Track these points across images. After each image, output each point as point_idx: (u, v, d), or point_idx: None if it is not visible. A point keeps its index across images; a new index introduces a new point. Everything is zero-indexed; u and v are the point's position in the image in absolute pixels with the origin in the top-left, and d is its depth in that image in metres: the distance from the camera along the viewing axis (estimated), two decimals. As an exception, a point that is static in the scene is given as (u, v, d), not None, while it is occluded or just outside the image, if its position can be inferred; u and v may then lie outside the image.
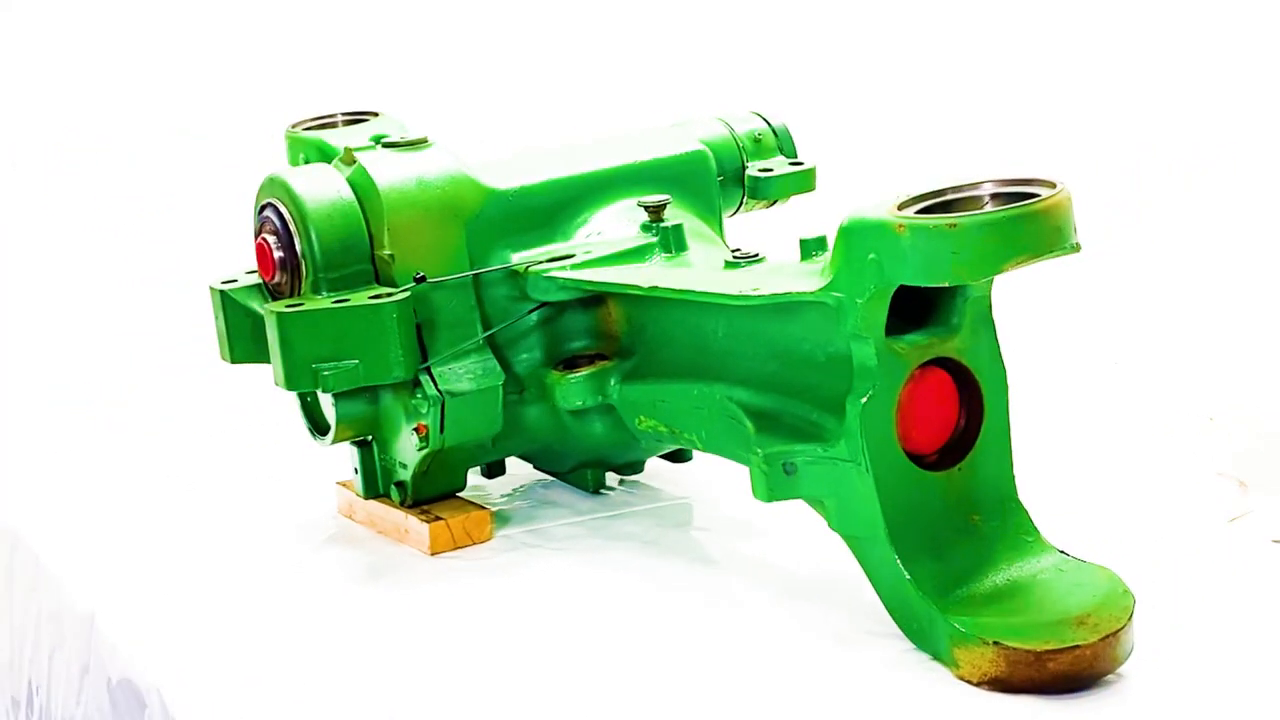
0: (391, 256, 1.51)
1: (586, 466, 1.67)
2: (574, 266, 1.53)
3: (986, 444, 1.31)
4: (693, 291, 1.43)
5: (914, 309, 1.29)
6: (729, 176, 1.71)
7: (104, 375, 2.23)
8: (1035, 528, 1.31)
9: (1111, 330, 2.31)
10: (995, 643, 1.20)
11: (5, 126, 2.73)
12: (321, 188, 1.53)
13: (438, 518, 1.56)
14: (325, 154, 1.65)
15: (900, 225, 1.18)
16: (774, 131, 1.76)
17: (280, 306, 1.48)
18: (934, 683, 1.23)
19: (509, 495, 1.70)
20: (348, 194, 1.53)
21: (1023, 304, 2.58)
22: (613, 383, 1.54)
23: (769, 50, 3.00)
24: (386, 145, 1.58)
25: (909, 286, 1.22)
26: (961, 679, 1.22)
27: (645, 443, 1.59)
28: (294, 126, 1.73)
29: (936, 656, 1.25)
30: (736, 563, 1.49)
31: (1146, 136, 2.82)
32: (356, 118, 1.74)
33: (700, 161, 1.67)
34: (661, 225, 1.55)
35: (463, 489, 1.62)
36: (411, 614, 1.43)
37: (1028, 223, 1.16)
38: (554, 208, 1.59)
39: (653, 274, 1.50)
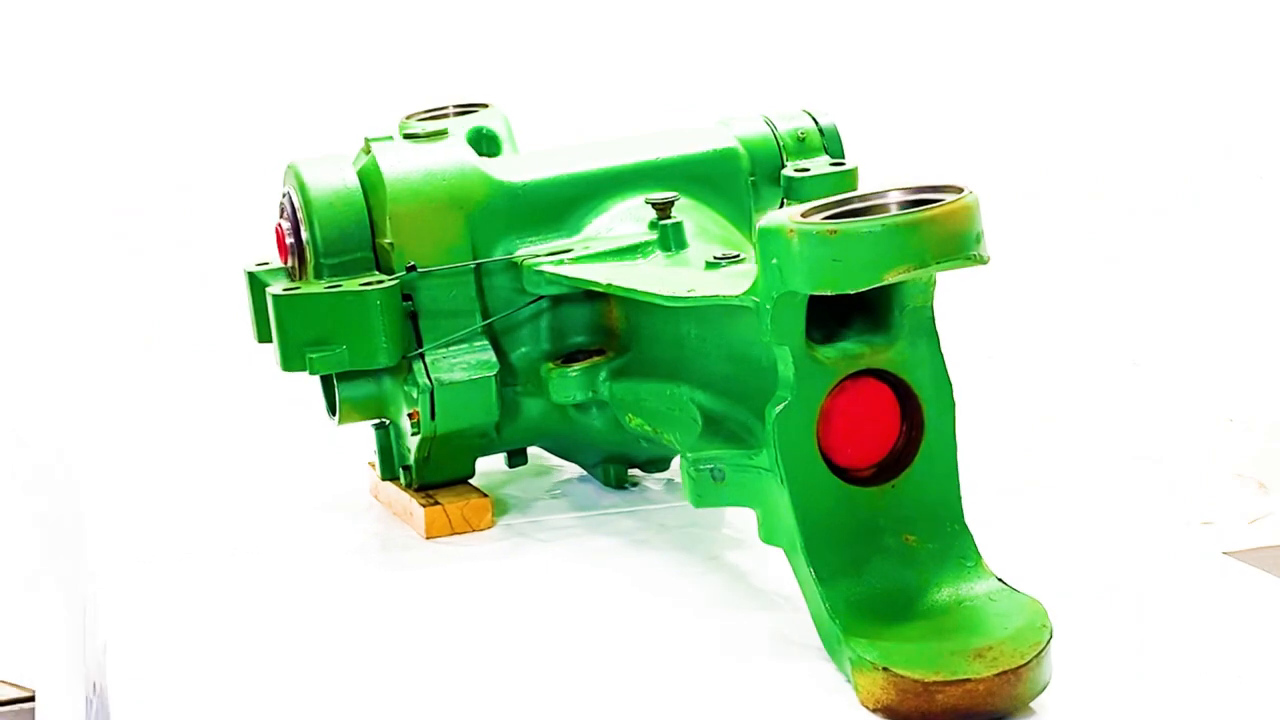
0: (391, 245, 1.55)
1: (610, 462, 1.67)
2: (565, 261, 1.54)
3: (926, 462, 1.25)
4: (636, 290, 1.43)
5: (855, 317, 1.25)
6: (764, 176, 1.67)
7: (108, 377, 2.29)
8: (977, 553, 1.25)
9: (1131, 331, 2.32)
10: (885, 668, 1.15)
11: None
12: (328, 176, 1.57)
13: (437, 503, 1.60)
14: None
15: (791, 230, 1.15)
16: (820, 131, 1.70)
17: (278, 289, 1.54)
18: (835, 706, 1.19)
19: (537, 486, 1.71)
20: (353, 183, 1.57)
21: (1042, 304, 2.61)
22: (602, 378, 1.55)
23: (852, 51, 2.99)
24: (407, 136, 1.61)
25: (849, 293, 1.18)
26: (863, 704, 1.18)
27: (644, 441, 1.58)
28: (408, 117, 1.78)
29: (847, 678, 1.21)
30: (714, 567, 1.48)
31: (1157, 141, 2.82)
32: (467, 109, 1.77)
33: (729, 160, 1.64)
34: (662, 223, 1.54)
35: (471, 476, 1.64)
36: (369, 597, 1.47)
37: (909, 231, 1.12)
38: (566, 203, 1.60)
39: (616, 271, 1.49)
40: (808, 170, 1.64)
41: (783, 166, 1.66)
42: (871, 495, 1.24)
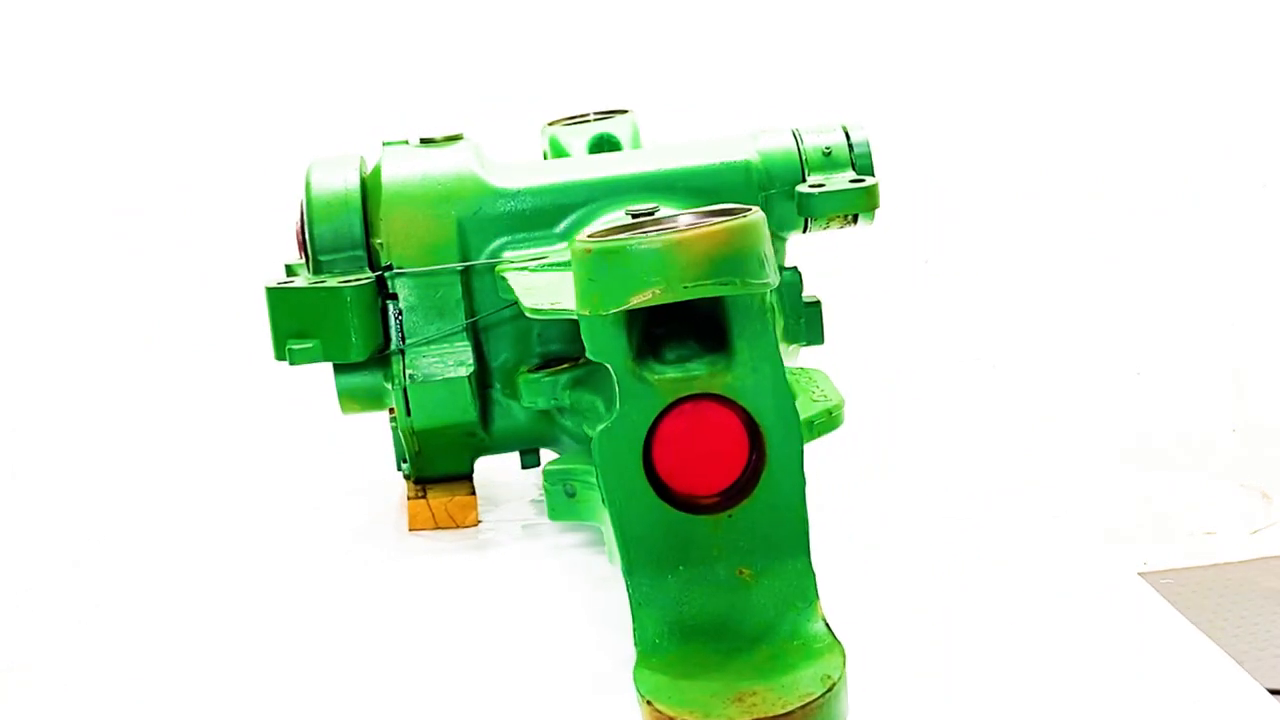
0: (381, 245, 1.58)
1: None
2: (534, 269, 1.54)
3: (768, 493, 1.18)
4: (519, 301, 1.42)
5: (703, 339, 1.21)
6: (784, 190, 1.62)
7: (108, 377, 2.30)
8: (814, 594, 1.18)
9: (1133, 337, 2.32)
10: (649, 702, 1.09)
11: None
12: (331, 177, 1.61)
13: (424, 496, 1.62)
14: (556, 148, 1.76)
15: (570, 247, 1.13)
16: (850, 146, 1.65)
17: (272, 282, 1.57)
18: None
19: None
20: (353, 184, 1.60)
21: (1042, 307, 2.61)
22: (562, 386, 1.55)
23: (847, 52, 2.99)
24: (424, 141, 1.65)
25: (702, 312, 1.16)
26: None
27: None
28: (550, 124, 1.81)
29: None
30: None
31: (1157, 141, 2.82)
32: (606, 115, 1.80)
33: (735, 173, 1.62)
34: None
35: (467, 473, 1.66)
36: (319, 584, 1.50)
37: (653, 254, 1.08)
38: (559, 210, 1.61)
39: (548, 281, 1.48)
40: (823, 185, 1.61)
41: (803, 181, 1.63)
42: (706, 523, 1.18)
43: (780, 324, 1.62)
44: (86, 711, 1.28)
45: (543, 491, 1.32)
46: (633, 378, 1.18)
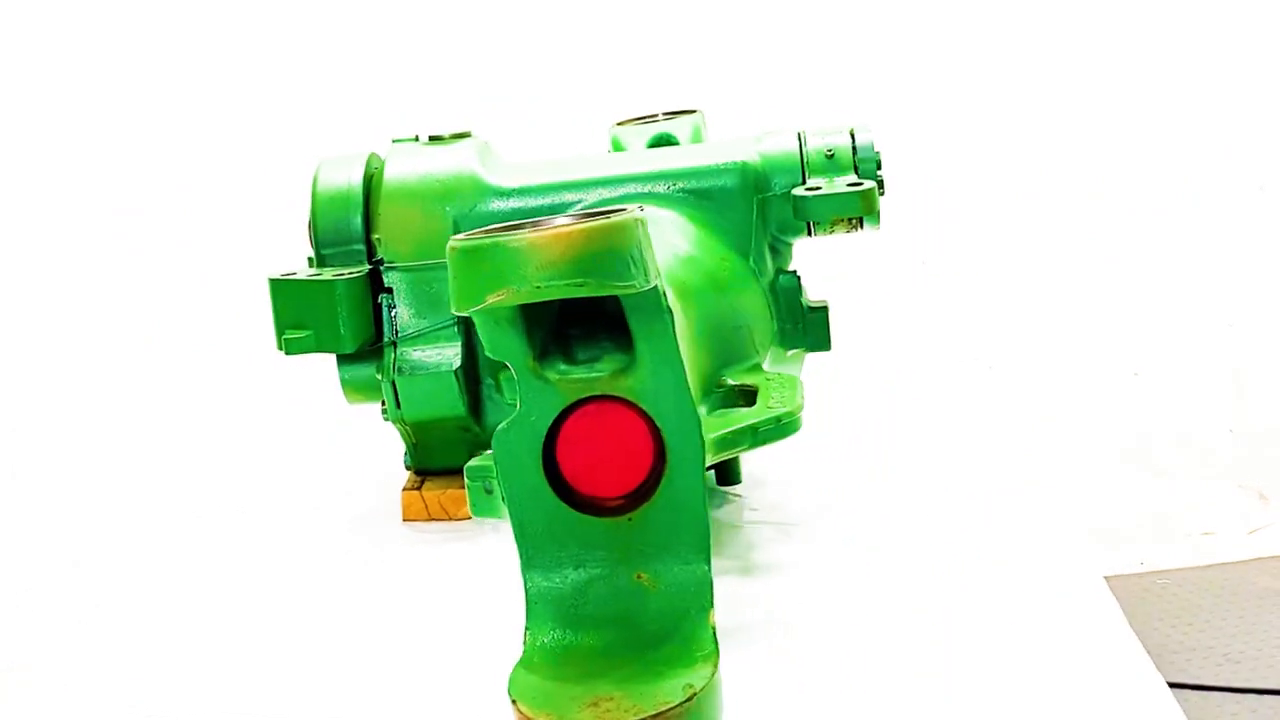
0: (378, 240, 1.61)
1: None
2: None
3: (666, 499, 1.17)
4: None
5: (614, 341, 1.19)
6: (780, 194, 1.61)
7: (108, 377, 2.30)
8: (709, 602, 1.16)
9: (1131, 338, 2.31)
10: (514, 700, 1.08)
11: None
12: (336, 176, 1.64)
13: (420, 488, 1.64)
14: (616, 147, 1.78)
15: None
16: (854, 148, 1.62)
17: (276, 274, 1.59)
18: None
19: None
20: (356, 182, 1.63)
21: (1041, 308, 2.61)
22: None
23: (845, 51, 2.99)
24: (432, 139, 1.68)
25: (613, 313, 1.15)
26: None
27: None
28: (619, 124, 1.82)
29: None
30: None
31: (1157, 141, 2.82)
32: (673, 115, 1.81)
33: (726, 174, 1.62)
34: None
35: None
36: (300, 568, 1.53)
37: (509, 254, 1.07)
38: (554, 209, 1.61)
39: None
40: (819, 189, 1.59)
41: (803, 183, 1.61)
42: (607, 526, 1.18)
43: (773, 329, 1.61)
44: (86, 711, 1.28)
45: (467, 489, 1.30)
46: (533, 377, 1.16)
